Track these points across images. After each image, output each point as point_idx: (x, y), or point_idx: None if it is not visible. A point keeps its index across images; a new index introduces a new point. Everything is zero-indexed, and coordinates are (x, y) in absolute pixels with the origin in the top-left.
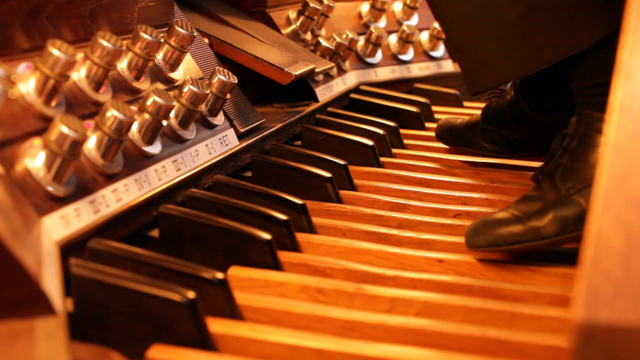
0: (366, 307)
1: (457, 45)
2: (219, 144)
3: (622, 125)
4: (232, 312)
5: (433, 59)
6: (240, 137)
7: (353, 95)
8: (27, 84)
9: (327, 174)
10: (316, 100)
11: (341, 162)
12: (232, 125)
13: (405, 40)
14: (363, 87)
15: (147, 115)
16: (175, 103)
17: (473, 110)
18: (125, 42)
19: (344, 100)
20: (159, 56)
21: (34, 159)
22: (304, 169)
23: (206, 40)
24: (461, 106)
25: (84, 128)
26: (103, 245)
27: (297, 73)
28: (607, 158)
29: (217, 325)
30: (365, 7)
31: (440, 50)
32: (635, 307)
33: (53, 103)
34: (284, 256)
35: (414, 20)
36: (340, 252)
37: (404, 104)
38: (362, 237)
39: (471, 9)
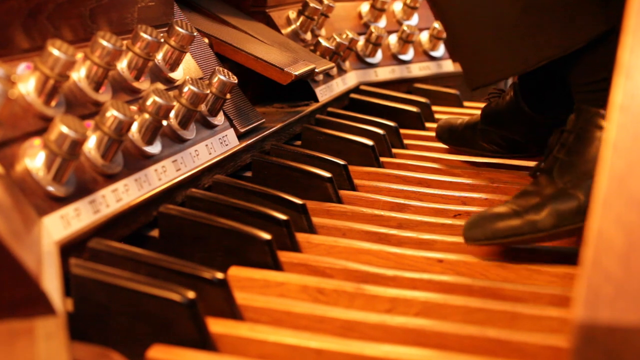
0: (366, 307)
1: (457, 41)
2: (219, 144)
3: (622, 125)
4: (232, 312)
5: (433, 58)
6: (240, 137)
7: (353, 95)
8: (27, 84)
9: (327, 174)
10: (316, 100)
11: (341, 162)
12: (232, 125)
13: (405, 40)
14: (363, 87)
15: (147, 115)
16: (175, 103)
17: (473, 110)
18: (125, 42)
19: (344, 100)
20: (159, 56)
21: (34, 159)
22: (304, 169)
23: (206, 40)
24: (461, 106)
25: (84, 128)
26: (103, 245)
27: (297, 73)
28: (607, 158)
29: (217, 325)
30: (365, 7)
31: (440, 50)
32: (635, 307)
33: (53, 103)
34: (284, 256)
35: (414, 20)
36: (340, 252)
37: (404, 104)
38: (362, 237)
39: (471, 6)
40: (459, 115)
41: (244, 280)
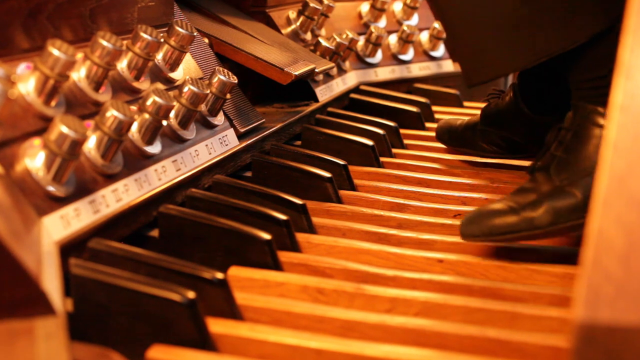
0: (366, 307)
1: (456, 38)
2: (219, 144)
3: (622, 125)
4: (232, 312)
5: (433, 58)
6: (240, 137)
7: (353, 95)
8: (27, 84)
9: (327, 174)
10: (316, 100)
11: (341, 162)
12: (232, 125)
13: (405, 40)
14: (363, 87)
15: (147, 115)
16: (175, 103)
17: (473, 110)
18: (125, 42)
19: (344, 100)
20: (159, 56)
21: (34, 159)
22: (304, 169)
23: (206, 40)
24: (461, 106)
25: (84, 128)
26: (103, 245)
27: (297, 73)
28: (607, 158)
29: (217, 325)
30: (365, 7)
31: (440, 50)
32: (635, 307)
33: (53, 103)
34: (284, 256)
35: (414, 20)
36: (340, 252)
37: (404, 104)
38: (362, 237)
39: (471, 3)
40: (459, 115)
41: (244, 280)
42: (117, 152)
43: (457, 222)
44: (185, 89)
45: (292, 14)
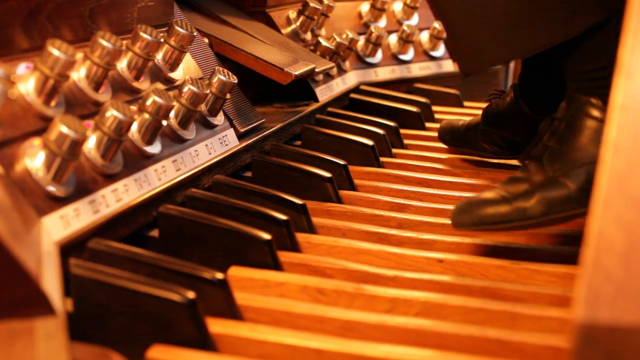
0: (366, 307)
1: (451, 26)
2: (218, 144)
3: (622, 125)
4: (232, 312)
5: (433, 58)
6: (240, 137)
7: (353, 95)
8: (26, 84)
9: (327, 174)
10: (316, 100)
11: (341, 162)
12: (232, 125)
13: (406, 40)
14: (363, 87)
15: (146, 115)
16: (175, 103)
17: (473, 110)
18: (125, 42)
19: (344, 100)
20: (159, 56)
21: (34, 159)
22: (304, 169)
23: (206, 40)
24: (461, 106)
25: (84, 128)
26: (103, 246)
27: (297, 73)
28: (607, 158)
29: (217, 326)
30: (365, 7)
31: (441, 50)
32: (636, 307)
33: (53, 103)
34: (284, 256)
35: (414, 20)
36: (340, 252)
37: (404, 104)
38: (362, 237)
39: None
40: (459, 115)
41: (244, 281)
42: (117, 152)
43: None
44: (185, 89)
45: (292, 14)
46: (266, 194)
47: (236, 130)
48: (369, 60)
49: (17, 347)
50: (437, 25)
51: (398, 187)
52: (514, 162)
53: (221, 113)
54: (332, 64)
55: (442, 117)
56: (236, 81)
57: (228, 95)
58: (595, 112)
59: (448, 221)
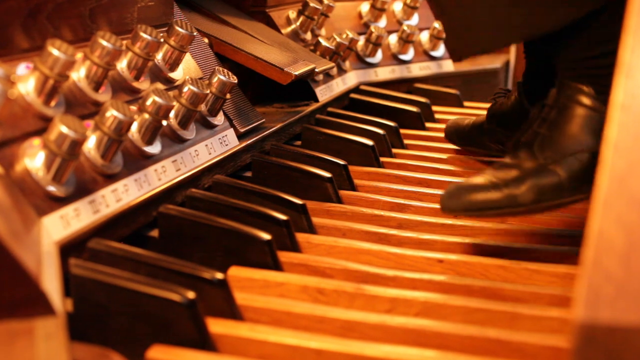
0: (366, 307)
1: (443, 8)
2: (218, 144)
3: (623, 125)
4: (232, 312)
5: (433, 58)
6: (240, 137)
7: (353, 95)
8: (26, 83)
9: (327, 174)
10: (316, 100)
11: (341, 162)
12: (232, 125)
13: (406, 40)
14: (363, 87)
15: (146, 115)
16: (175, 103)
17: (473, 110)
18: (124, 42)
19: (344, 100)
20: (159, 56)
21: (34, 159)
22: (304, 169)
23: (206, 40)
24: (461, 106)
25: (84, 128)
26: (103, 246)
27: (297, 73)
28: (608, 158)
29: (217, 326)
30: (365, 7)
31: (441, 50)
32: (636, 308)
33: (52, 103)
34: (284, 256)
35: (414, 20)
36: (340, 252)
37: (404, 104)
38: (362, 237)
39: None
40: (459, 115)
41: (244, 281)
42: (117, 152)
43: (457, 222)
44: (185, 89)
45: (292, 14)
46: (266, 194)
47: (236, 130)
48: (369, 60)
49: (17, 347)
50: (437, 25)
51: (398, 187)
52: None
53: (221, 113)
54: (332, 64)
55: (442, 117)
56: (236, 81)
57: (228, 95)
58: (587, 100)
59: (448, 221)
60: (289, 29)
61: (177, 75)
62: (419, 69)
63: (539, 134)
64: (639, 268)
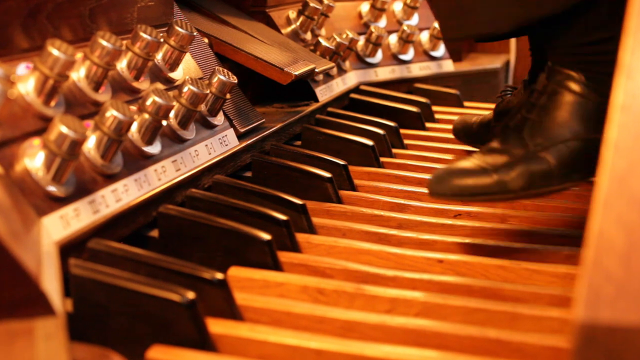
0: (366, 307)
1: None
2: (218, 144)
3: (623, 125)
4: (232, 312)
5: (433, 58)
6: (240, 137)
7: (353, 95)
8: (26, 83)
9: (327, 174)
10: (316, 100)
11: (341, 162)
12: (232, 125)
13: (406, 40)
14: (363, 87)
15: (146, 115)
16: (174, 103)
17: (473, 110)
18: (124, 42)
19: (344, 100)
20: (159, 56)
21: (34, 159)
22: (304, 169)
23: (206, 40)
24: (461, 106)
25: (84, 128)
26: (102, 246)
27: (297, 73)
28: (608, 158)
29: (216, 326)
30: (365, 7)
31: (441, 50)
32: (636, 308)
33: (52, 103)
34: (284, 256)
35: (414, 20)
36: (340, 252)
37: (404, 104)
38: (362, 237)
39: None
40: (459, 115)
41: (244, 281)
42: (117, 152)
43: (457, 222)
44: (185, 89)
45: (292, 14)
46: (266, 194)
47: (236, 130)
48: (369, 60)
49: (17, 347)
50: (437, 25)
51: (398, 187)
52: None
53: (221, 113)
54: (332, 64)
55: (442, 117)
56: (236, 81)
57: (228, 95)
58: (576, 87)
59: (448, 221)
60: (289, 29)
61: (177, 75)
62: (419, 69)
63: (528, 119)
64: (639, 268)
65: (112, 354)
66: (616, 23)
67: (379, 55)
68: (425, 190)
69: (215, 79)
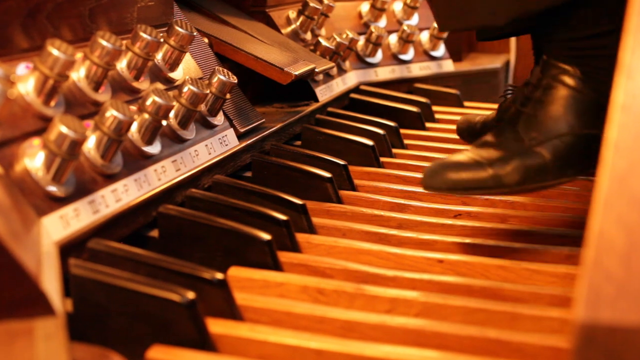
0: (366, 307)
1: None
2: (218, 144)
3: (623, 125)
4: (232, 312)
5: (433, 58)
6: (240, 137)
7: (353, 95)
8: (26, 83)
9: (327, 174)
10: (316, 100)
11: (341, 162)
12: (232, 125)
13: (406, 40)
14: (363, 87)
15: (146, 115)
16: (174, 103)
17: (473, 110)
18: (124, 41)
19: (344, 100)
20: (159, 56)
21: (33, 159)
22: (304, 169)
23: (206, 40)
24: (461, 106)
25: (83, 128)
26: (102, 246)
27: (297, 73)
28: (608, 158)
29: (216, 326)
30: (365, 7)
31: (441, 50)
32: (636, 308)
33: (52, 103)
34: (284, 256)
35: (414, 19)
36: (340, 252)
37: (404, 103)
38: (362, 237)
39: None
40: (459, 115)
41: (244, 281)
42: (117, 152)
43: (457, 222)
44: (185, 89)
45: (292, 14)
46: (266, 194)
47: (236, 130)
48: (369, 60)
49: (16, 347)
50: (436, 25)
51: (398, 187)
52: None
53: (221, 113)
54: (332, 64)
55: (442, 117)
56: (236, 81)
57: (228, 95)
58: (571, 81)
59: (448, 221)
60: (289, 29)
61: (177, 75)
62: (419, 69)
63: (523, 113)
64: (639, 268)
65: (112, 354)
66: (612, 18)
67: (379, 55)
68: (425, 190)
69: (215, 79)
